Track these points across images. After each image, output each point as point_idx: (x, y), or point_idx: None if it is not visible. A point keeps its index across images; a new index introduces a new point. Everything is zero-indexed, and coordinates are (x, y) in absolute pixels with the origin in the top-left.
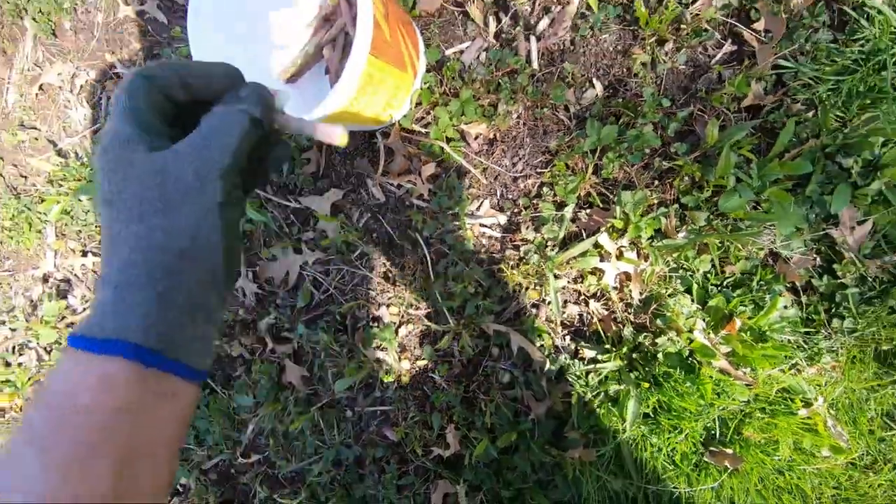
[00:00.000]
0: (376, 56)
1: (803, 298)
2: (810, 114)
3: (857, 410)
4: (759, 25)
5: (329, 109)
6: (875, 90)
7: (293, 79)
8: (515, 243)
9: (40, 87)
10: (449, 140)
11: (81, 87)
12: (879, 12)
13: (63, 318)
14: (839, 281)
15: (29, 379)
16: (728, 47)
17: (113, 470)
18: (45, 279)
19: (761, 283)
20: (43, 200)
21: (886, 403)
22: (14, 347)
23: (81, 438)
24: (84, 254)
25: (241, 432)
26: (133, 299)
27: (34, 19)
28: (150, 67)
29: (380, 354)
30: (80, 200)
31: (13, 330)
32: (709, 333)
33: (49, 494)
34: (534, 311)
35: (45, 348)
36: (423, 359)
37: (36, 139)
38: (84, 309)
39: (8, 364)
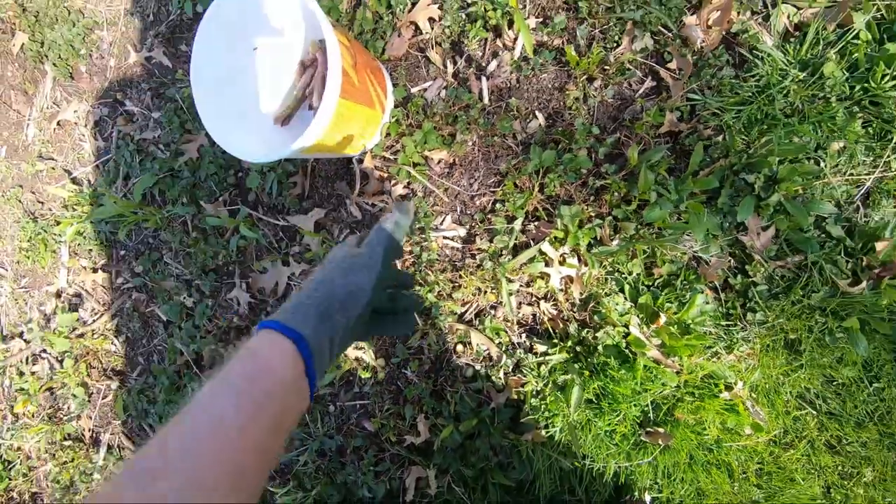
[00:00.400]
0: (346, 98)
1: (722, 295)
2: (720, 138)
3: (773, 393)
4: (673, 65)
5: (307, 143)
6: (769, 117)
7: (286, 121)
8: (473, 252)
9: (58, 123)
10: (415, 165)
11: (95, 122)
12: (769, 54)
13: (74, 329)
14: (751, 279)
15: (41, 387)
16: (649, 83)
17: (272, 424)
18: (59, 294)
19: (685, 282)
20: (58, 223)
21: (798, 386)
22: (28, 358)
23: (262, 394)
24: (94, 270)
25: None
26: (305, 312)
27: (54, 64)
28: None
29: (358, 354)
30: (91, 223)
31: (27, 342)
32: (642, 327)
33: (242, 423)
34: (492, 311)
35: (56, 358)
36: (397, 356)
37: (53, 169)
38: (94, 320)
39: (22, 374)
